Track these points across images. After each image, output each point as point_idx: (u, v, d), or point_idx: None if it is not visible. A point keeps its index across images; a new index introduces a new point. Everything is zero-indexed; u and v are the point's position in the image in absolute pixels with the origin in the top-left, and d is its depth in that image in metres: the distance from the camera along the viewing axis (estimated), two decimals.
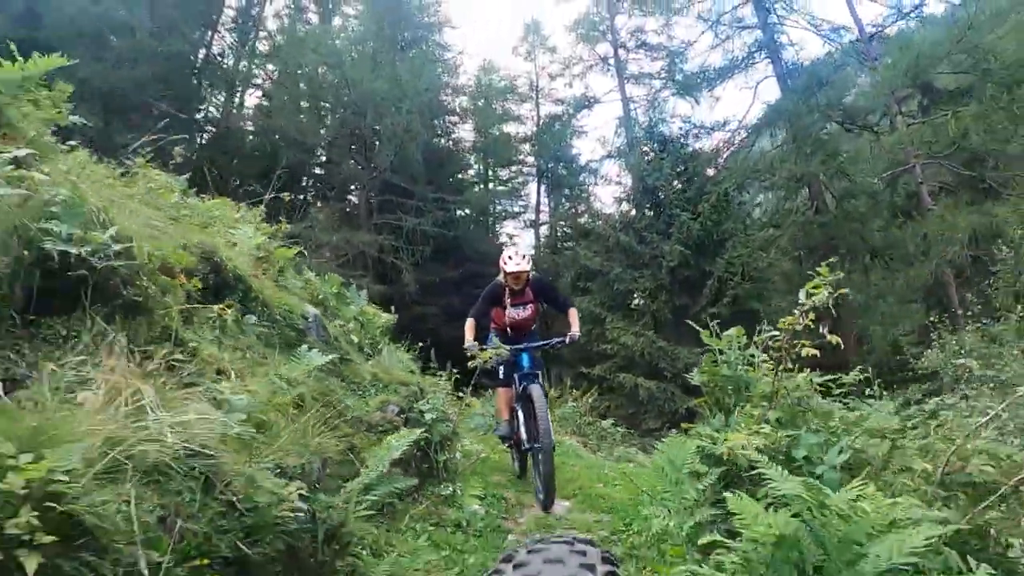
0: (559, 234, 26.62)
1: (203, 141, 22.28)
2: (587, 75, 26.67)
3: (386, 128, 16.02)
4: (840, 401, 2.80)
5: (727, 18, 21.51)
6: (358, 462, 2.23)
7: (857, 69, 21.44)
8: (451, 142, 26.22)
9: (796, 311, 2.19)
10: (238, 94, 24.42)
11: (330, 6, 25.87)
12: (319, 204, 18.62)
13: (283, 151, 18.48)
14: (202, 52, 24.62)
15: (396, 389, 3.70)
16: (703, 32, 21.94)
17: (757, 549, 1.28)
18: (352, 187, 18.88)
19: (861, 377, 2.82)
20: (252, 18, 25.62)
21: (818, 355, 2.50)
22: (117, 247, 2.17)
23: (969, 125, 15.38)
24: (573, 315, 5.06)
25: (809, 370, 2.45)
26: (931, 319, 12.75)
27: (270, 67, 24.10)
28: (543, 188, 29.15)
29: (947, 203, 17.18)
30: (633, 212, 14.91)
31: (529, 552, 0.99)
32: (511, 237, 29.56)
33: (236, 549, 1.55)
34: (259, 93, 23.89)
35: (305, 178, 21.30)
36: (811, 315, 2.17)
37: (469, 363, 4.32)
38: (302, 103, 19.10)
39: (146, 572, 1.24)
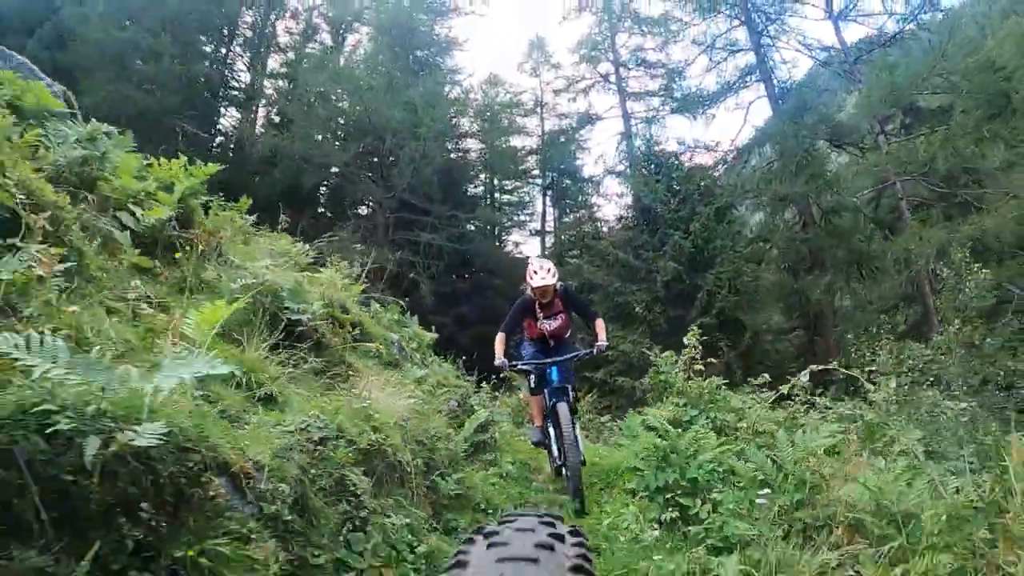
0: (565, 243, 28.41)
1: (221, 159, 24.12)
2: (590, 92, 28.51)
3: (404, 154, 17.90)
4: (754, 396, 4.54)
5: (721, 41, 23.37)
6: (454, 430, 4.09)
7: (845, 88, 23.28)
8: (460, 155, 28.02)
9: (687, 342, 3.97)
10: (253, 114, 26.46)
11: (342, 27, 27.89)
12: (340, 223, 20.39)
13: (306, 173, 20.37)
14: (219, 73, 26.72)
15: (453, 390, 5.44)
16: (699, 54, 23.83)
17: (646, 448, 3.06)
18: (370, 205, 20.74)
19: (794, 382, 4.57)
20: (265, 38, 27.63)
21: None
22: (310, 312, 3.96)
23: (936, 149, 17.11)
24: (600, 326, 5.32)
25: (713, 375, 4.23)
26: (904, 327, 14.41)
27: (280, 82, 26.24)
28: (548, 199, 30.96)
29: (922, 218, 18.92)
30: (631, 231, 16.70)
31: (500, 523, 1.00)
32: (517, 245, 31.38)
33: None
34: (275, 112, 25.99)
35: (322, 196, 23.18)
36: (696, 349, 3.93)
37: (500, 374, 5.75)
38: (323, 127, 20.98)
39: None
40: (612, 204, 29.05)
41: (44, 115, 4.59)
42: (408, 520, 2.71)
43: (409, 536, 2.67)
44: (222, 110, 27.35)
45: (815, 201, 20.14)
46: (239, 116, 26.75)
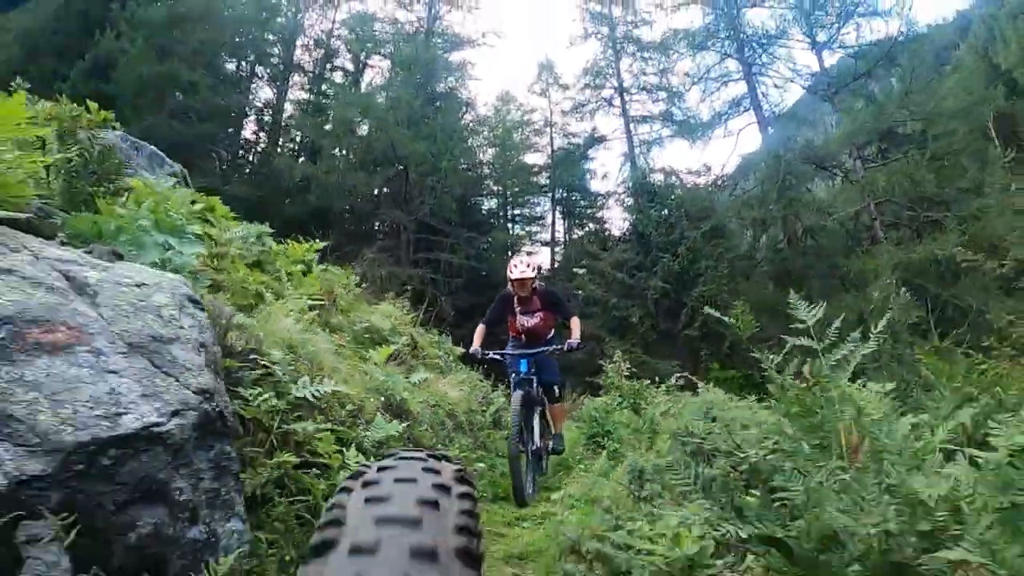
0: (572, 258, 31.18)
1: (254, 182, 27.16)
2: (595, 114, 31.31)
3: (426, 184, 20.90)
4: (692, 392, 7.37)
5: (715, 71, 26.16)
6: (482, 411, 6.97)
7: (831, 113, 26.02)
8: (475, 171, 30.90)
9: (614, 360, 6.81)
10: (280, 139, 29.67)
11: (363, 54, 31.00)
12: (367, 243, 23.33)
13: (335, 198, 23.38)
14: (247, 101, 29.96)
15: (479, 387, 8.25)
16: (692, 84, 26.63)
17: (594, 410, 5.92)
18: (393, 227, 23.68)
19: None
20: (290, 67, 30.85)
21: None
22: (400, 341, 6.84)
23: (895, 178, 19.84)
24: (575, 324, 5.61)
25: (643, 378, 7.05)
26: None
27: (305, 109, 29.39)
28: (558, 212, 33.78)
29: (897, 239, 21.56)
30: (627, 252, 19.49)
31: (379, 470, 0.86)
32: (529, 255, 34.15)
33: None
34: (301, 138, 29.13)
35: (348, 217, 26.17)
36: (624, 364, 6.76)
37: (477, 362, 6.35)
38: (352, 157, 24.07)
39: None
40: (619, 219, 31.70)
41: (221, 220, 7.50)
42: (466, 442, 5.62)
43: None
44: (251, 136, 30.63)
45: (796, 221, 22.86)
46: (266, 140, 29.99)
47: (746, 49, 25.68)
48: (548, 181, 32.98)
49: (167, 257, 2.69)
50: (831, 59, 25.89)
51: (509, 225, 33.43)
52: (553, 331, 5.98)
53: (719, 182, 22.72)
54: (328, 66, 31.97)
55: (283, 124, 29.21)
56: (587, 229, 31.24)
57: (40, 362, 1.42)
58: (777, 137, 23.48)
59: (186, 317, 1.94)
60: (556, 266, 31.32)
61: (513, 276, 5.61)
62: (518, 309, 5.79)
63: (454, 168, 21.75)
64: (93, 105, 8.64)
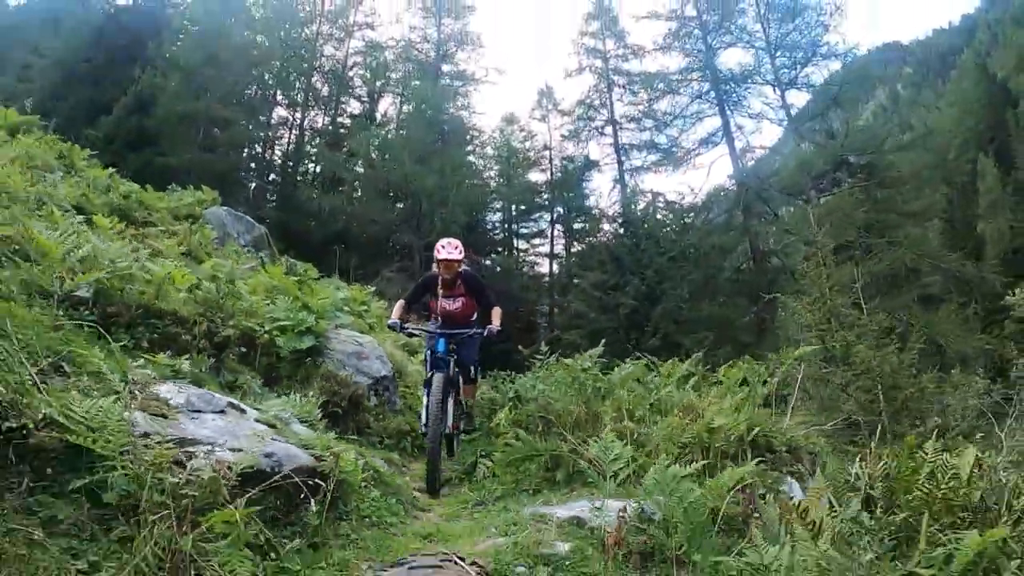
0: (567, 272, 35.92)
1: (283, 207, 32.11)
2: (589, 141, 36.12)
3: (437, 215, 25.70)
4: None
5: (692, 108, 30.93)
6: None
7: (795, 145, 30.78)
8: (480, 189, 35.52)
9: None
10: (302, 167, 34.75)
11: (376, 84, 36.06)
12: (384, 262, 28.20)
13: (355, 223, 28.29)
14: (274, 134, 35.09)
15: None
16: (673, 119, 31.40)
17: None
18: (408, 249, 28.52)
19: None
20: (310, 101, 35.96)
21: None
22: None
23: (840, 205, 24.53)
24: (496, 313, 5.80)
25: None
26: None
27: (323, 139, 34.48)
28: (557, 229, 38.44)
29: (845, 259, 26.18)
30: (605, 274, 24.19)
31: None
32: (533, 266, 38.94)
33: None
34: (322, 168, 34.21)
35: (366, 239, 31.06)
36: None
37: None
38: (372, 188, 29.08)
39: None
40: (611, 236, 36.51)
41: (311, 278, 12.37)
42: None
43: None
44: (276, 162, 35.77)
45: (759, 242, 27.55)
46: (290, 168, 35.12)
47: (720, 87, 30.36)
48: (548, 201, 37.75)
49: (342, 322, 7.48)
50: (800, 96, 30.70)
51: (514, 240, 38.32)
52: (475, 318, 6.08)
53: (687, 215, 27.44)
54: (344, 98, 37.15)
55: (304, 153, 34.38)
56: (585, 243, 35.76)
57: (363, 362, 6.18)
58: (743, 170, 28.19)
59: (372, 346, 6.72)
60: (552, 278, 36.13)
61: (440, 256, 5.73)
62: (441, 292, 5.89)
63: (461, 200, 26.58)
64: (210, 192, 13.64)
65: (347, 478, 3.24)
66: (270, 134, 34.94)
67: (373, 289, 14.88)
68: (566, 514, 3.66)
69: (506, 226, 38.77)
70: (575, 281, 26.93)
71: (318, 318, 5.87)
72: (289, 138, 36.47)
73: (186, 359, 3.87)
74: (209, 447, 2.80)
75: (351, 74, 37.19)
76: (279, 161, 35.68)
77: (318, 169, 33.65)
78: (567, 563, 3.07)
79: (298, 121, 35.99)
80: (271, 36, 36.13)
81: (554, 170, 37.86)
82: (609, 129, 34.55)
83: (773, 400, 5.97)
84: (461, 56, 34.93)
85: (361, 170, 30.05)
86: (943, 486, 2.87)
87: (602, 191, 40.47)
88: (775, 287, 26.84)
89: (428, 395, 5.21)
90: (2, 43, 41.34)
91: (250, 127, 33.75)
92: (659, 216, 27.92)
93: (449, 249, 5.71)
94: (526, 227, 39.24)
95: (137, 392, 2.97)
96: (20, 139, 10.47)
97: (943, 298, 28.67)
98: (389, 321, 5.74)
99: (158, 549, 2.18)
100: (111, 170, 12.70)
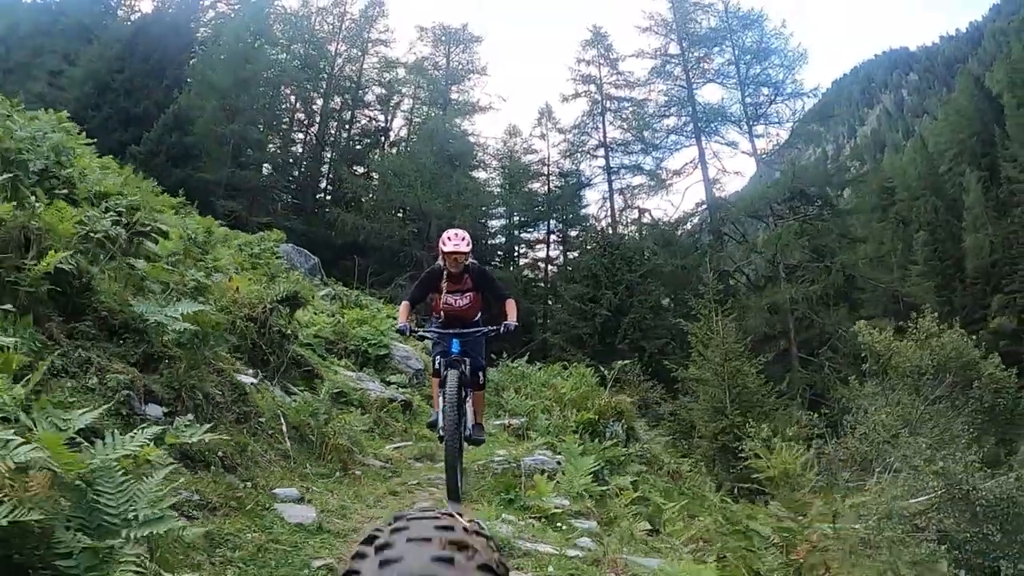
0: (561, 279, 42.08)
1: (309, 220, 38.33)
2: (583, 161, 42.36)
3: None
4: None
5: (673, 137, 37.17)
6: None
7: (762, 175, 36.92)
8: (484, 199, 41.66)
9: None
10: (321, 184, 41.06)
11: (390, 103, 42.31)
12: (397, 271, 34.39)
13: (372, 237, 34.50)
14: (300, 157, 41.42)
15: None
16: (655, 147, 37.63)
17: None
18: (417, 260, 34.75)
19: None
20: (329, 123, 42.24)
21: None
22: None
23: (780, 233, 30.73)
24: (510, 306, 5.66)
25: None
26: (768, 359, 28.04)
27: (339, 159, 40.82)
28: (553, 238, 44.57)
29: (795, 278, 32.35)
30: (586, 288, 30.33)
31: (392, 531, 0.89)
32: (533, 272, 45.03)
33: None
34: (343, 187, 40.46)
35: (381, 250, 37.26)
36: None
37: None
38: (388, 209, 35.36)
39: None
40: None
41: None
42: None
43: None
44: (297, 180, 42.10)
45: (723, 260, 33.73)
46: (309, 181, 41.47)
47: (697, 119, 36.53)
48: (545, 212, 43.85)
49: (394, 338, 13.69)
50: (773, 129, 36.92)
51: (515, 248, 44.56)
52: (480, 315, 5.99)
53: (668, 233, 33.69)
54: (359, 114, 43.51)
55: (321, 172, 40.83)
56: (576, 254, 41.85)
57: (409, 360, 12.35)
58: (721, 192, 34.43)
59: (412, 352, 12.88)
60: (547, 285, 42.35)
61: (446, 249, 5.56)
62: (445, 286, 5.71)
63: (467, 222, 32.80)
64: (279, 232, 19.93)
65: (417, 404, 9.41)
66: (292, 150, 41.28)
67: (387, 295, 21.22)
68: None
69: (508, 232, 44.88)
70: (559, 293, 33.15)
71: (384, 336, 11.99)
72: (306, 152, 42.88)
73: (344, 362, 10.07)
74: (372, 391, 9.00)
75: (364, 93, 43.56)
76: (297, 173, 41.96)
77: (336, 185, 39.96)
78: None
79: (315, 138, 42.39)
80: (293, 54, 42.35)
81: (552, 184, 43.95)
82: (601, 151, 40.78)
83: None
84: (468, 84, 41.22)
85: (376, 186, 36.31)
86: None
87: (595, 208, 46.10)
88: (732, 301, 33.14)
89: (443, 396, 5.24)
90: (31, 45, 44.81)
91: (276, 146, 40.05)
92: (643, 232, 34.17)
93: (456, 241, 5.58)
94: (527, 233, 45.37)
95: (353, 374, 9.21)
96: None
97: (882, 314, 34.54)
98: (398, 325, 5.81)
99: (366, 418, 8.30)
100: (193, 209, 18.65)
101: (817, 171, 34.69)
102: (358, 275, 30.15)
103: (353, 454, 5.61)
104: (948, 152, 70.24)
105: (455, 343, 5.49)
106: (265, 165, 39.47)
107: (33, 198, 4.59)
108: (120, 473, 2.15)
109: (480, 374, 5.85)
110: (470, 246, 5.63)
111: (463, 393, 5.35)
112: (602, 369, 13.62)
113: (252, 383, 5.59)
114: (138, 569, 2.06)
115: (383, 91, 43.00)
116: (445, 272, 5.66)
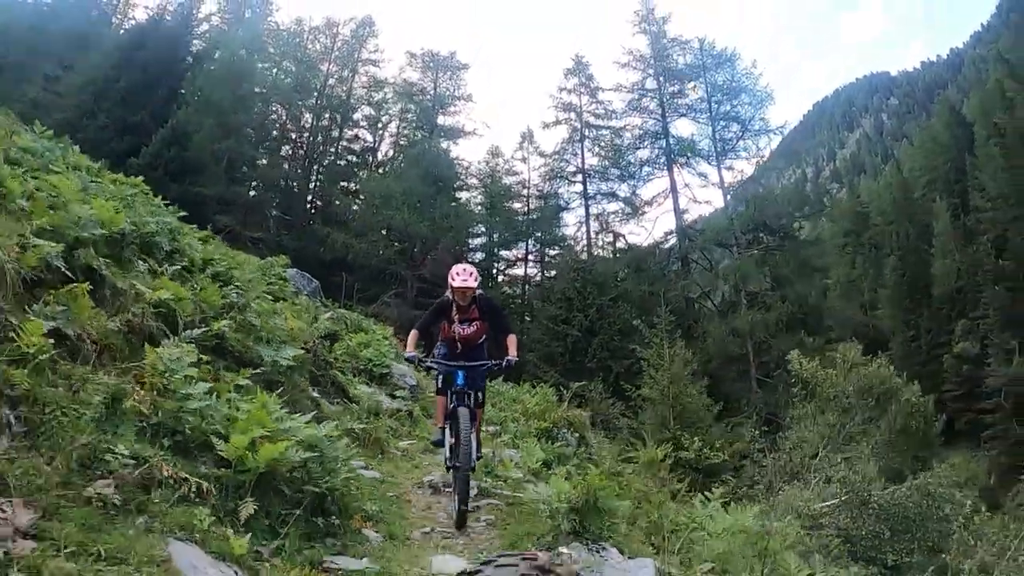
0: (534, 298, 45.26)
1: (298, 235, 41.22)
2: (562, 186, 45.75)
3: (429, 257, 34.93)
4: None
5: (646, 170, 40.63)
6: None
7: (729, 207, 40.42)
8: (466, 218, 44.71)
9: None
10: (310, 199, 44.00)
11: (379, 124, 45.38)
12: (383, 289, 37.37)
13: (360, 256, 37.46)
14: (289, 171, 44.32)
15: None
16: (630, 176, 41.06)
17: None
18: (402, 280, 37.73)
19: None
20: (319, 144, 45.21)
21: None
22: None
23: (740, 265, 34.22)
24: (512, 341, 6.36)
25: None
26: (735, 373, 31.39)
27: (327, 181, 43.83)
28: (531, 258, 47.83)
29: (753, 304, 35.80)
30: (560, 309, 33.52)
31: (483, 563, 1.30)
32: (511, 288, 48.19)
33: None
34: (334, 207, 43.44)
35: (367, 268, 40.20)
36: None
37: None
38: (376, 230, 38.39)
39: None
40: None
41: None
42: None
43: None
44: (287, 195, 44.98)
45: (689, 287, 37.10)
46: (297, 200, 44.38)
47: (671, 151, 40.00)
48: (525, 229, 47.01)
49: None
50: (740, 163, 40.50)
51: (494, 265, 47.69)
52: (484, 339, 6.67)
53: (627, 264, 37.09)
54: (348, 133, 46.57)
55: (311, 189, 43.80)
56: (553, 274, 45.09)
57: (405, 378, 15.40)
58: (681, 228, 37.85)
59: (407, 370, 15.92)
60: (524, 303, 45.53)
61: (455, 284, 6.30)
62: (456, 317, 6.44)
63: (450, 244, 35.89)
64: (285, 258, 22.85)
65: (416, 413, 12.48)
66: (284, 167, 44.19)
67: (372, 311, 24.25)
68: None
69: (488, 249, 48.01)
70: (535, 312, 36.43)
71: (385, 357, 15.02)
72: (294, 167, 45.81)
73: (359, 379, 13.14)
74: (384, 402, 12.07)
75: (353, 112, 46.72)
76: (284, 185, 44.84)
77: (325, 202, 42.99)
78: None
79: (305, 154, 45.43)
80: (285, 71, 45.32)
81: (531, 205, 47.21)
82: (579, 177, 44.15)
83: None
84: (454, 109, 44.51)
85: (363, 207, 39.42)
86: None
87: (574, 226, 49.32)
88: (698, 324, 36.53)
89: (456, 430, 5.75)
90: (26, 45, 44.63)
91: (265, 162, 42.91)
92: (617, 256, 37.57)
93: (464, 276, 6.26)
94: (506, 251, 48.52)
95: (369, 390, 12.29)
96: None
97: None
98: (406, 354, 6.56)
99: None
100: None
101: (779, 204, 38.23)
102: (345, 291, 33.02)
103: (386, 444, 8.63)
104: (922, 179, 72.35)
105: (460, 375, 6.18)
106: (255, 181, 42.28)
107: (192, 282, 7.57)
108: (328, 439, 5.13)
109: (480, 395, 6.55)
110: (477, 280, 6.42)
111: (472, 426, 5.85)
112: (568, 387, 16.43)
113: (317, 397, 8.64)
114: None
115: (372, 111, 46.19)
116: (454, 304, 6.47)
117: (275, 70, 46.70)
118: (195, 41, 48.58)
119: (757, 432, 21.15)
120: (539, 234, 46.01)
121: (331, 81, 46.52)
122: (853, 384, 20.81)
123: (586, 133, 44.46)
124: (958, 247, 55.41)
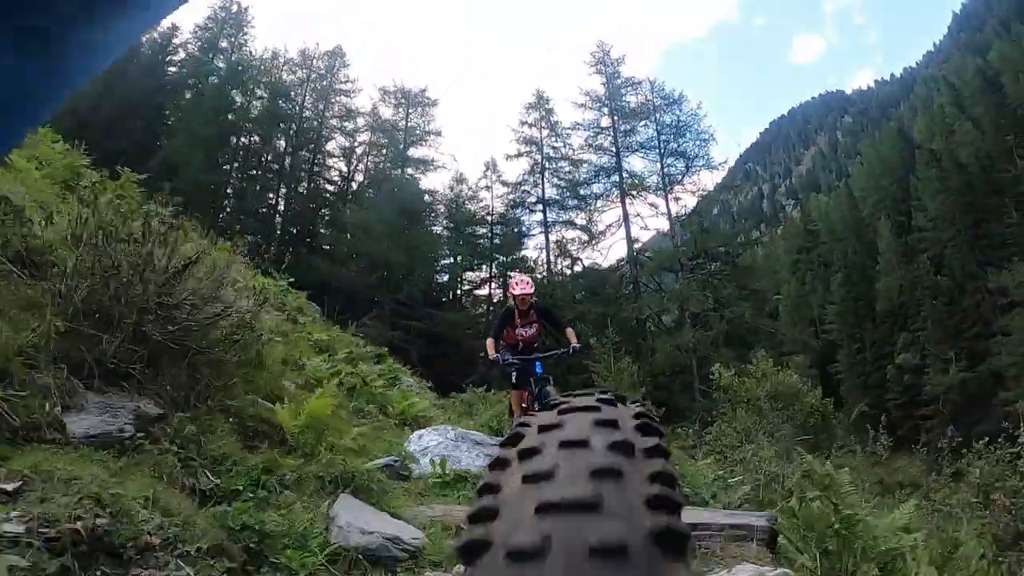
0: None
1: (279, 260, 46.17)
2: (523, 215, 51.19)
3: (403, 284, 40.14)
4: None
5: (600, 202, 46.58)
6: None
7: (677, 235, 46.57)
8: (433, 238, 49.93)
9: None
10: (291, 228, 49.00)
11: (352, 157, 50.64)
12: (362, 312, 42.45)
13: (341, 280, 42.58)
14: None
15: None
16: (587, 205, 46.98)
17: None
18: (379, 304, 42.89)
19: None
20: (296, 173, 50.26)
21: None
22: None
23: (682, 288, 40.28)
24: (571, 332, 7.75)
25: None
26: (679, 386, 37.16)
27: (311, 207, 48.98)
28: (494, 283, 53.12)
29: (698, 323, 41.85)
30: None
31: (540, 430, 0.83)
32: (475, 308, 53.41)
33: None
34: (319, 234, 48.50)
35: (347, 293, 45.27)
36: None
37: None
38: (356, 260, 43.60)
39: None
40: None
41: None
42: None
43: None
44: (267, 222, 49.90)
45: (640, 309, 42.99)
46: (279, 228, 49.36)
47: (623, 184, 46.00)
48: (488, 252, 52.22)
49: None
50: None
51: (459, 286, 52.97)
52: (539, 339, 7.93)
53: (584, 287, 42.96)
54: (322, 161, 51.75)
55: (291, 216, 48.88)
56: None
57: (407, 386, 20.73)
58: (632, 254, 43.83)
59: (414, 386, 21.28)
60: (488, 324, 50.81)
61: (516, 292, 7.58)
62: (519, 321, 7.63)
63: (424, 271, 41.18)
64: (299, 298, 28.00)
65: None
66: (268, 196, 49.25)
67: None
68: None
69: (453, 271, 52.95)
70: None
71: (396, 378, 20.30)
72: (271, 194, 50.78)
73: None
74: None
75: (326, 142, 52.06)
76: (262, 211, 49.77)
77: (308, 231, 48.18)
78: None
79: (283, 184, 50.52)
80: (260, 102, 50.25)
81: (494, 231, 52.54)
82: (540, 206, 49.87)
83: None
84: (424, 144, 50.10)
85: (343, 237, 44.78)
86: None
87: (536, 250, 54.66)
88: (646, 341, 42.38)
89: (541, 406, 6.26)
90: None
91: (254, 196, 47.90)
92: (576, 280, 43.45)
93: (523, 284, 7.61)
94: (471, 272, 53.45)
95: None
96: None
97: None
98: (492, 356, 7.49)
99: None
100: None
101: (720, 232, 44.59)
102: (327, 315, 37.99)
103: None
104: (870, 198, 77.02)
105: (538, 365, 7.32)
106: (247, 213, 47.10)
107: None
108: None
109: (551, 378, 7.41)
110: (532, 287, 7.66)
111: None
112: None
113: None
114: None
115: (345, 141, 51.60)
116: (516, 310, 7.64)
117: (251, 100, 51.31)
118: (170, 70, 51.85)
119: (691, 431, 26.60)
120: (502, 258, 51.31)
121: (307, 114, 51.56)
122: (764, 390, 26.57)
123: (546, 165, 50.03)
124: (900, 264, 59.12)
